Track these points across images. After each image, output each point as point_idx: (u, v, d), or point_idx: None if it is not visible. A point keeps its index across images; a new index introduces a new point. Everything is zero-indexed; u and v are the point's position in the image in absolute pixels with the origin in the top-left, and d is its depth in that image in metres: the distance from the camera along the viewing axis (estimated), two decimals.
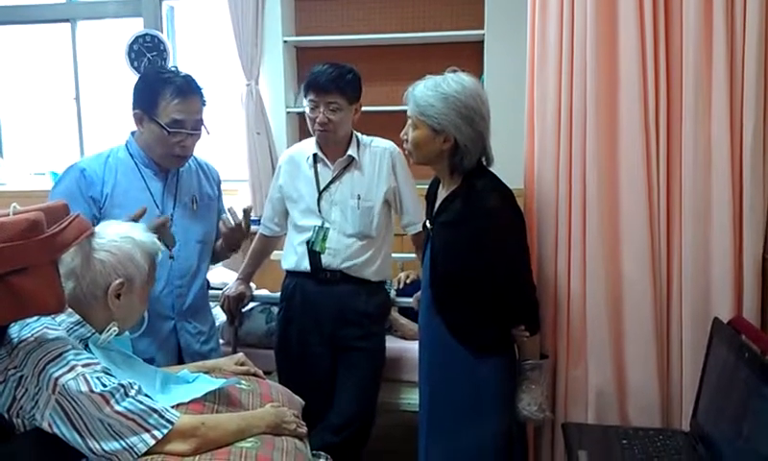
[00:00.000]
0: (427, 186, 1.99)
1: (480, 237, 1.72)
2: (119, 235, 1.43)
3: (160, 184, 1.94)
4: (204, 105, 1.94)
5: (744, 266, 1.71)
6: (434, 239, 1.83)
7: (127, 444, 1.23)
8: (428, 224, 1.89)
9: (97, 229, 1.44)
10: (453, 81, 1.71)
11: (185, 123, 1.87)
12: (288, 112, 3.95)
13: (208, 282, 2.17)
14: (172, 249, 1.91)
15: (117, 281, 1.39)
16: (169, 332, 1.94)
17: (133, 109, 1.90)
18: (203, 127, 1.94)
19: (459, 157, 1.73)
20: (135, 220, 1.67)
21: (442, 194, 1.84)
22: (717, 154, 1.69)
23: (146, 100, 1.86)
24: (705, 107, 1.70)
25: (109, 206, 1.85)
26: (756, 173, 1.68)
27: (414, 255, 2.51)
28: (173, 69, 1.94)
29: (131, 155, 1.93)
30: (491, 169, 1.81)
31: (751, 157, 1.68)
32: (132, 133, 1.96)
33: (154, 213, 1.88)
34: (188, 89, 1.88)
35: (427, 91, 1.72)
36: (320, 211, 2.22)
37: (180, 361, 1.93)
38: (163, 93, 1.84)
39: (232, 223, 1.94)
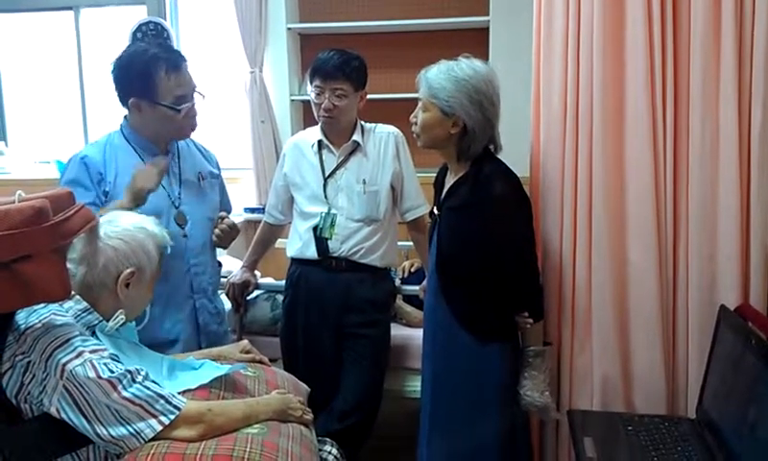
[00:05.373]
0: (431, 175, 1.99)
1: (486, 223, 1.72)
2: (133, 225, 1.44)
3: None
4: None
5: (751, 253, 1.70)
6: (441, 225, 1.83)
7: (134, 429, 1.23)
8: (435, 210, 1.89)
9: (110, 217, 1.46)
10: (466, 65, 1.72)
11: (187, 96, 1.86)
12: (292, 100, 3.93)
13: (220, 263, 2.18)
14: (185, 227, 1.91)
15: (128, 270, 1.40)
16: (190, 311, 1.95)
17: (126, 99, 1.86)
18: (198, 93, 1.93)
19: (467, 142, 1.74)
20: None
21: (449, 180, 1.85)
22: (724, 140, 1.68)
23: (141, 86, 1.82)
24: (712, 93, 1.68)
25: (114, 193, 1.83)
26: (763, 159, 1.67)
27: None
28: (146, 44, 1.92)
29: (126, 140, 1.91)
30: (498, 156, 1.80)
31: (758, 143, 1.66)
32: (125, 118, 1.93)
33: (160, 195, 1.87)
34: (177, 61, 1.85)
35: (440, 74, 1.73)
36: (326, 198, 2.22)
37: (198, 342, 1.95)
38: (158, 74, 1.80)
39: (219, 231, 2.01)
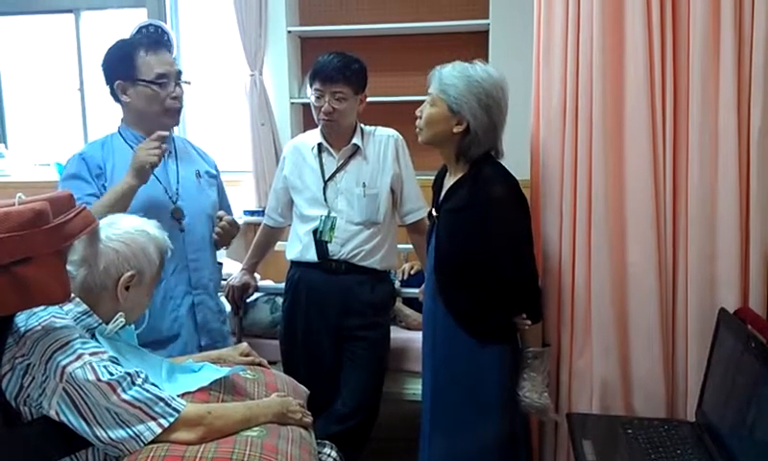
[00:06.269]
0: (431, 177, 2.00)
1: (485, 224, 1.73)
2: (134, 228, 1.44)
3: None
4: (172, 52, 1.97)
5: (750, 256, 1.70)
6: (439, 226, 1.84)
7: (133, 432, 1.23)
8: (434, 212, 1.90)
9: (111, 219, 1.46)
10: (481, 68, 1.75)
11: (169, 75, 1.90)
12: (292, 103, 3.93)
13: (220, 263, 2.18)
14: (182, 221, 1.91)
15: (129, 273, 1.40)
16: (189, 307, 1.96)
17: (112, 84, 1.91)
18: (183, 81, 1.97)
19: (468, 143, 1.74)
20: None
21: (448, 182, 1.85)
22: (724, 141, 1.68)
23: (122, 68, 1.89)
24: (712, 95, 1.68)
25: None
26: (763, 162, 1.67)
27: None
28: (133, 36, 1.99)
29: (124, 139, 1.95)
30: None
31: (758, 144, 1.66)
32: (122, 120, 1.98)
33: (157, 189, 1.90)
34: (157, 44, 1.92)
35: (454, 72, 1.75)
36: (326, 201, 2.22)
37: (198, 339, 1.96)
38: (137, 54, 1.88)
39: (219, 228, 2.02)
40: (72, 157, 1.92)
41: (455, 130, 1.74)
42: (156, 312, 1.80)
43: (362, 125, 2.29)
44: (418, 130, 1.82)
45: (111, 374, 1.24)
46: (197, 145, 2.17)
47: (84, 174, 1.86)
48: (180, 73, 1.95)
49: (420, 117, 1.80)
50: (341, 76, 2.14)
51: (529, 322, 1.79)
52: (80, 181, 1.84)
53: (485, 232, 1.73)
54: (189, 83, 1.98)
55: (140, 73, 1.87)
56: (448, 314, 1.80)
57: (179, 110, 1.96)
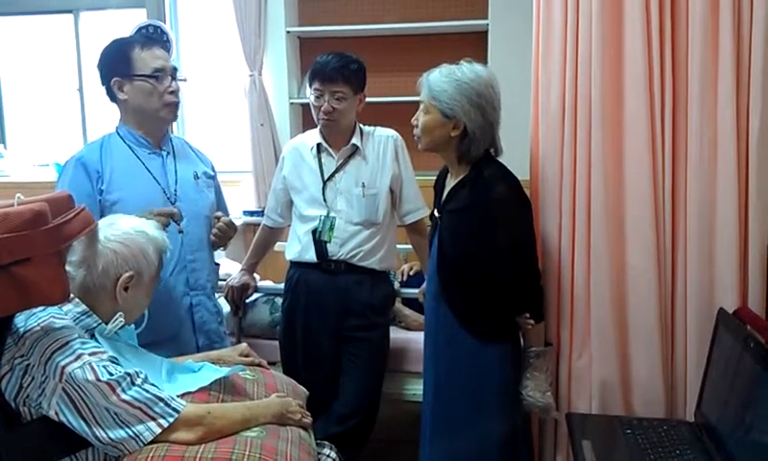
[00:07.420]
0: (430, 178, 2.00)
1: (487, 225, 1.73)
2: (133, 229, 1.45)
3: (158, 161, 1.96)
4: (170, 51, 1.98)
5: (749, 256, 1.70)
6: (442, 227, 1.84)
7: (133, 432, 1.23)
8: (436, 213, 1.90)
9: (110, 220, 1.46)
10: (467, 69, 1.74)
11: (165, 69, 1.91)
12: (291, 103, 3.94)
13: (217, 264, 2.18)
14: (180, 223, 1.91)
15: (127, 274, 1.40)
16: (187, 308, 1.96)
17: (109, 82, 1.92)
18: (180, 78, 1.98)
19: (467, 144, 1.75)
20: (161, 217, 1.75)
21: (450, 183, 1.86)
22: (723, 143, 1.68)
23: (119, 65, 1.90)
24: (711, 97, 1.69)
25: (110, 189, 1.86)
26: (761, 163, 1.67)
27: None
28: (131, 36, 2.01)
29: (122, 139, 1.95)
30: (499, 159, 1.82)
31: (756, 146, 1.66)
32: (120, 121, 1.98)
33: (156, 190, 1.90)
34: (152, 41, 1.94)
35: (441, 77, 1.74)
36: (325, 201, 2.22)
37: (195, 340, 1.96)
38: (132, 50, 1.89)
39: (216, 230, 2.01)
40: (69, 160, 1.91)
41: (452, 133, 1.75)
42: (154, 313, 1.80)
43: (361, 125, 2.30)
44: (416, 138, 1.82)
45: (111, 374, 1.24)
46: (194, 146, 2.17)
47: (82, 180, 1.85)
48: (175, 69, 1.96)
49: (417, 126, 1.80)
50: (340, 75, 2.14)
51: (532, 321, 1.80)
52: (75, 190, 1.78)
53: (487, 232, 1.73)
54: (185, 80, 1.99)
55: (136, 69, 1.88)
56: (451, 314, 1.80)
57: (177, 105, 1.96)
